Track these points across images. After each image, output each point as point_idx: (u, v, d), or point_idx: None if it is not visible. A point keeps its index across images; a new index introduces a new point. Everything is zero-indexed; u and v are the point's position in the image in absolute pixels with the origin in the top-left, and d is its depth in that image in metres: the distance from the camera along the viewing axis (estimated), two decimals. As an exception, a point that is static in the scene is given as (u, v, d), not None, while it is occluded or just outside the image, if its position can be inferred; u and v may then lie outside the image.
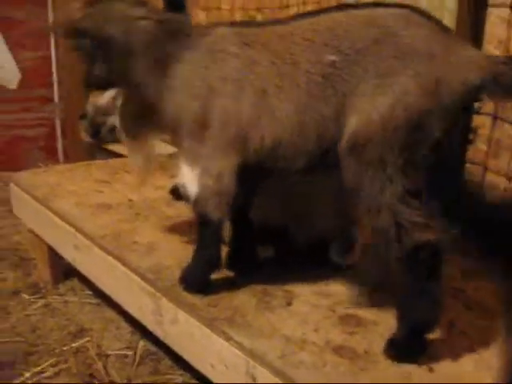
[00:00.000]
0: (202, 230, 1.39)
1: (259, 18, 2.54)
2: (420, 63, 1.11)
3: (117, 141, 1.50)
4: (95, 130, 1.48)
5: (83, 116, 1.49)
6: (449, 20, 1.77)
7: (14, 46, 3.61)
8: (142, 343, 1.85)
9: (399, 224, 1.12)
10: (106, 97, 1.43)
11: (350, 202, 1.19)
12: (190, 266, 1.42)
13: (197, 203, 1.36)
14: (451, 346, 1.22)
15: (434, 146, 1.11)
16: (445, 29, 1.17)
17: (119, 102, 1.42)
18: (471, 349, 1.21)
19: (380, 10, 1.20)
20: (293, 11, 2.40)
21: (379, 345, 1.20)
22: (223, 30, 1.32)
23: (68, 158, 3.80)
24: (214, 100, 1.28)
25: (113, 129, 1.46)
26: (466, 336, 1.26)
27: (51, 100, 3.79)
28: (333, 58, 1.17)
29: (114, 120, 1.44)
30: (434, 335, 1.20)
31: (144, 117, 1.40)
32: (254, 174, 1.37)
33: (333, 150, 1.19)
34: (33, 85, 3.70)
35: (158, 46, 1.33)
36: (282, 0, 2.42)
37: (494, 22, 1.73)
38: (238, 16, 2.65)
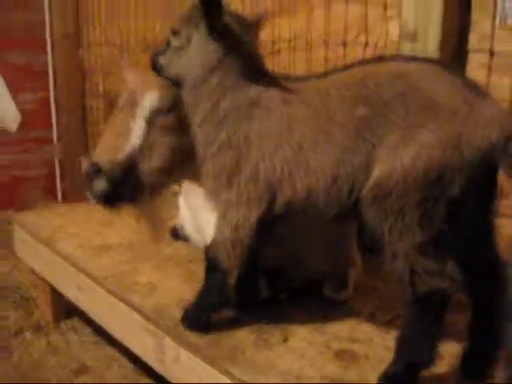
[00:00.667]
0: (209, 273, 1.43)
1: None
2: (442, 118, 1.14)
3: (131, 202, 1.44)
4: (114, 192, 1.39)
5: (93, 173, 1.37)
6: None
7: (13, 89, 3.71)
8: (143, 381, 1.91)
9: (413, 271, 1.17)
10: (127, 151, 1.39)
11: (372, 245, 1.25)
12: (192, 306, 1.47)
13: (210, 247, 1.40)
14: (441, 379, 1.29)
15: (452, 201, 1.14)
16: (470, 84, 1.20)
17: (145, 155, 1.40)
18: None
19: (411, 65, 1.24)
20: (284, 56, 2.51)
21: (371, 377, 1.26)
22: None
23: (67, 198, 3.88)
24: (249, 152, 1.31)
25: (134, 189, 1.40)
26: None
27: (50, 141, 3.87)
28: (362, 111, 1.21)
29: (137, 178, 1.40)
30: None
31: (177, 164, 1.45)
32: (275, 224, 1.38)
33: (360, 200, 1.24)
34: (32, 126, 3.80)
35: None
36: (274, 46, 2.54)
37: (475, 67, 1.83)
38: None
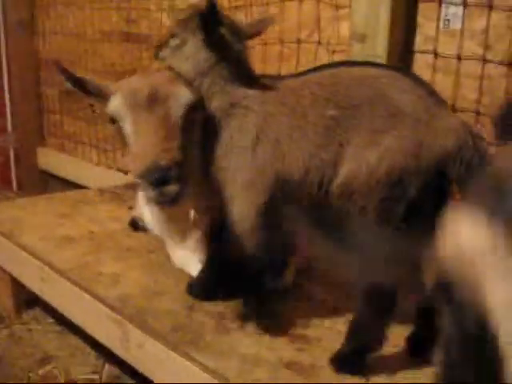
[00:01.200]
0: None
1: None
2: (406, 125, 1.23)
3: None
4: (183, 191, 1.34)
5: (163, 178, 1.27)
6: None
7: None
8: (107, 367, 1.98)
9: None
10: (179, 149, 1.33)
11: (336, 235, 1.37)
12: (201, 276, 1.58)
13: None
14: (386, 361, 1.40)
15: (410, 202, 1.23)
16: (432, 94, 1.30)
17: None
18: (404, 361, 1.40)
19: (379, 71, 1.34)
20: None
21: (324, 359, 1.38)
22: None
23: (22, 187, 3.86)
24: (232, 149, 1.41)
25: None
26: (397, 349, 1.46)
27: (5, 130, 3.84)
28: (333, 112, 1.31)
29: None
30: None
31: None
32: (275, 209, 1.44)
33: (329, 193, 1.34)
34: (-14, 115, 3.76)
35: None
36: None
37: (420, 67, 1.95)
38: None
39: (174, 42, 1.46)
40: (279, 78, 1.55)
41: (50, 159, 3.82)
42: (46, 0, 3.71)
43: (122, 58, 3.22)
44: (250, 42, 1.54)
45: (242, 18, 2.45)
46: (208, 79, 1.42)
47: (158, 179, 1.27)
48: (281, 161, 1.37)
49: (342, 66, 1.42)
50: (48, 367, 1.97)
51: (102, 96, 1.45)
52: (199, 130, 1.45)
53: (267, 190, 1.39)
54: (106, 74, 3.34)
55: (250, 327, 1.52)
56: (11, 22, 3.70)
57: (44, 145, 3.95)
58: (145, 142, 1.32)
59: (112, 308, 1.63)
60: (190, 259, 1.75)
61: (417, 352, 1.42)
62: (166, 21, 2.90)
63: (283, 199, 1.40)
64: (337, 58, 2.15)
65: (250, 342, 1.46)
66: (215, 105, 1.43)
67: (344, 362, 1.36)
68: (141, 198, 2.13)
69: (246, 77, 1.45)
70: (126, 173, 3.24)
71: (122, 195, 2.68)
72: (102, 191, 2.75)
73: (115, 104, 1.39)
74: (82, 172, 3.51)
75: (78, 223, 2.28)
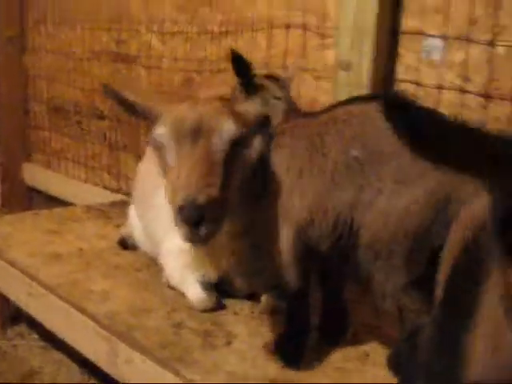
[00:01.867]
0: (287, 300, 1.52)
1: (198, 79, 2.78)
2: (434, 179, 1.19)
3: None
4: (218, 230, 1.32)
5: (198, 217, 1.24)
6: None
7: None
8: (92, 382, 2.00)
9: (400, 310, 1.28)
10: (219, 187, 1.31)
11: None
12: (282, 338, 1.53)
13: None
14: (365, 373, 1.46)
15: (436, 248, 1.18)
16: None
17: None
18: (384, 377, 1.45)
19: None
20: (228, 74, 2.65)
21: (305, 375, 1.43)
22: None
23: (6, 203, 3.87)
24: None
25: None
26: (378, 366, 1.51)
27: (-9, 144, 3.86)
28: (357, 154, 1.28)
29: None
30: (349, 365, 1.46)
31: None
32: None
33: (345, 236, 1.32)
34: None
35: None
36: (219, 64, 2.68)
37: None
38: (178, 77, 2.88)
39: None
40: (317, 113, 1.54)
41: (36, 175, 3.84)
42: (37, 17, 3.76)
43: (111, 77, 3.27)
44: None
45: (230, 43, 2.53)
46: None
47: (192, 218, 1.23)
48: (302, 195, 1.37)
49: (375, 103, 1.35)
50: (33, 382, 1.99)
51: (151, 118, 1.47)
52: (243, 164, 1.44)
53: (294, 225, 1.39)
54: (94, 92, 3.39)
55: (237, 344, 1.57)
56: (1, 38, 3.75)
57: (30, 161, 3.97)
58: (185, 176, 1.28)
59: (100, 324, 1.66)
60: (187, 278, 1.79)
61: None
62: (155, 43, 2.97)
63: (305, 238, 1.39)
64: (322, 84, 2.23)
65: (236, 358, 1.50)
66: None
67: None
68: (131, 215, 2.18)
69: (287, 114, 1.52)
70: (112, 191, 3.28)
71: (108, 213, 2.72)
72: (88, 208, 2.79)
73: (160, 133, 1.39)
74: (68, 189, 3.53)
75: (66, 240, 2.31)
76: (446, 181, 1.19)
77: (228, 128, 1.38)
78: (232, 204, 1.40)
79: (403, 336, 1.30)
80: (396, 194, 1.22)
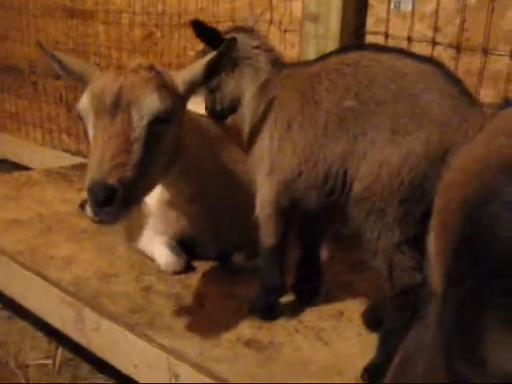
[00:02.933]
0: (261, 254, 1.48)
1: (158, 34, 2.67)
2: (432, 128, 1.14)
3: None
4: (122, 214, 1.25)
5: (107, 198, 1.18)
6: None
7: None
8: (59, 351, 1.94)
9: (392, 267, 1.22)
10: (134, 167, 1.24)
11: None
12: (256, 293, 1.51)
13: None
14: (340, 331, 1.45)
15: (430, 203, 1.13)
16: (464, 92, 1.19)
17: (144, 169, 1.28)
18: (358, 334, 1.45)
19: (406, 63, 1.22)
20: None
21: (281, 336, 1.40)
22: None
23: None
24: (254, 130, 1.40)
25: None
26: (352, 323, 1.50)
27: None
28: (352, 104, 1.23)
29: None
30: (325, 323, 1.45)
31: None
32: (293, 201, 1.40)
33: (337, 190, 1.27)
34: None
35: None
36: (180, 18, 2.56)
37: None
38: (137, 32, 2.75)
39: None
40: (305, 63, 1.47)
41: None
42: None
43: (67, 35, 3.12)
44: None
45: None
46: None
47: (100, 199, 1.17)
48: (291, 147, 1.33)
49: (367, 52, 1.29)
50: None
51: (83, 82, 1.37)
52: (171, 143, 1.36)
53: (282, 177, 1.36)
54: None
55: (209, 307, 1.53)
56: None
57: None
58: (99, 153, 1.20)
59: (65, 291, 1.59)
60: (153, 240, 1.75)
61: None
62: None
63: (292, 191, 1.36)
64: (289, 37, 2.16)
65: (208, 321, 1.46)
66: (248, 95, 1.42)
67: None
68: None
69: (276, 64, 1.44)
70: (72, 153, 3.17)
71: (69, 176, 2.62)
72: (48, 172, 2.68)
73: (82, 104, 1.30)
74: (25, 152, 3.40)
75: (25, 206, 2.21)
76: (444, 131, 1.14)
77: (150, 102, 1.28)
78: (155, 180, 1.36)
79: (391, 294, 1.25)
80: (392, 144, 1.17)
